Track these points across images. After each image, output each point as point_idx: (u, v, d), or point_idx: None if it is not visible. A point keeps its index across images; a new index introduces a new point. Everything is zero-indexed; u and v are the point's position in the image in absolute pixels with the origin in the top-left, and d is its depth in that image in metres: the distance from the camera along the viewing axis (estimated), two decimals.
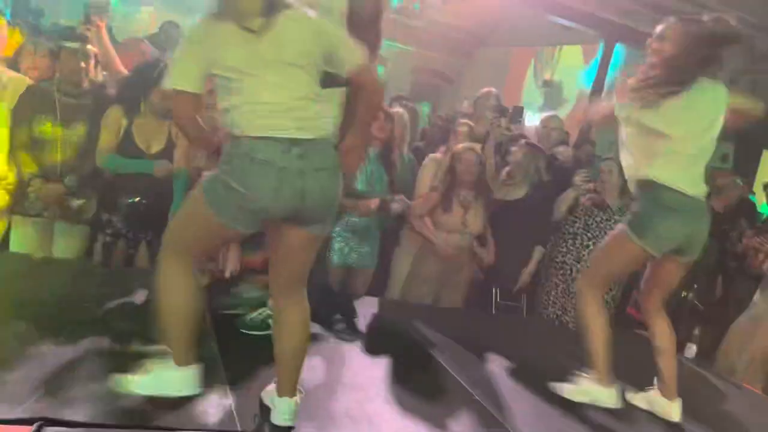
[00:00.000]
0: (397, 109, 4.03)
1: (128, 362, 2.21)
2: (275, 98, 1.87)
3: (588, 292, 2.71)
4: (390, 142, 3.74)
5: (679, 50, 2.46)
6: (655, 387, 2.75)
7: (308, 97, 1.93)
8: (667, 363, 2.70)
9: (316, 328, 2.97)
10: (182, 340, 1.97)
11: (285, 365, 2.06)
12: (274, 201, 1.86)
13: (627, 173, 2.70)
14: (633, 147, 2.60)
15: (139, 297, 2.86)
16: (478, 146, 3.82)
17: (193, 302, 1.97)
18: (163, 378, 1.96)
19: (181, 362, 1.96)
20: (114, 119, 3.07)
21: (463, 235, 3.76)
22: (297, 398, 2.05)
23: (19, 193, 3.09)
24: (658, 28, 2.56)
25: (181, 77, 1.87)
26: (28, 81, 3.12)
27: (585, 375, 2.69)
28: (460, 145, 3.81)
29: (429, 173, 3.89)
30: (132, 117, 3.08)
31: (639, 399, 2.79)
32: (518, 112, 4.54)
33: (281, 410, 2.03)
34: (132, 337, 2.42)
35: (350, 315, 3.35)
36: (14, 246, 3.16)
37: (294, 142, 1.85)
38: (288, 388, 2.04)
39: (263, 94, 1.87)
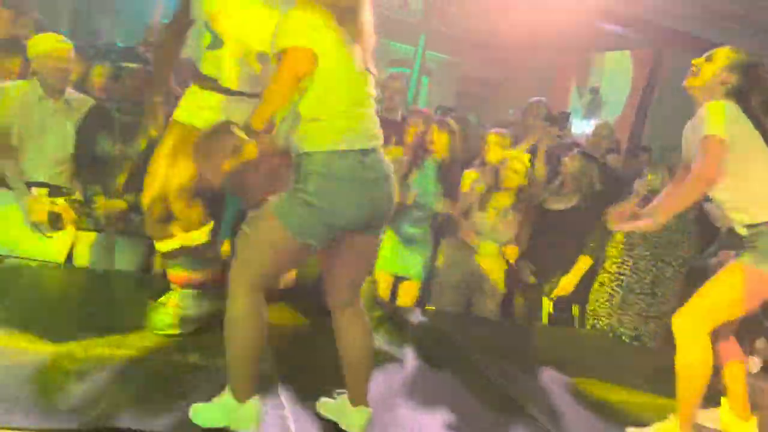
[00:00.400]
0: (450, 120, 4.03)
1: (188, 372, 2.28)
2: (351, 105, 1.90)
3: (694, 335, 2.39)
4: (447, 156, 3.76)
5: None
6: (725, 406, 2.61)
7: (372, 104, 1.98)
8: (735, 381, 2.56)
9: None
10: (247, 377, 1.95)
11: (355, 376, 2.08)
12: (356, 213, 1.89)
13: (746, 215, 2.40)
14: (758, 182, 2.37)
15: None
16: (527, 157, 3.79)
17: (262, 341, 1.95)
18: (224, 412, 1.95)
19: (241, 398, 1.94)
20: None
21: (492, 242, 3.72)
22: (370, 408, 2.08)
23: (83, 210, 3.21)
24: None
25: (295, 34, 1.82)
26: (91, 101, 3.25)
27: (665, 421, 2.49)
28: (511, 152, 3.79)
29: (467, 188, 3.88)
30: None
31: (708, 418, 2.63)
32: (564, 118, 4.49)
33: (354, 420, 2.06)
34: (192, 347, 2.48)
35: (400, 325, 3.36)
36: (78, 260, 3.28)
37: (363, 152, 1.89)
38: (360, 398, 2.07)
39: (344, 99, 1.88)
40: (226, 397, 1.96)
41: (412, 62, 8.03)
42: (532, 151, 4.06)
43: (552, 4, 6.69)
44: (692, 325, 2.40)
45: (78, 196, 3.21)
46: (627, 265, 3.69)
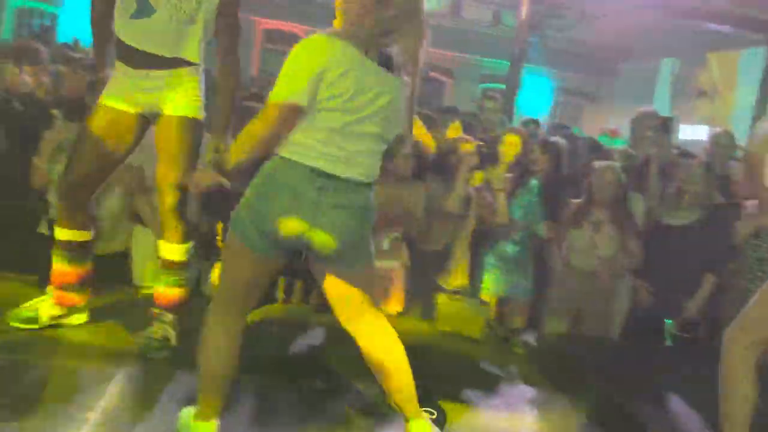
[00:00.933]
0: (556, 138, 3.98)
1: (314, 395, 2.36)
2: (336, 139, 1.83)
3: (737, 349, 2.24)
4: (550, 175, 3.70)
5: None
6: None
7: (373, 149, 1.90)
8: None
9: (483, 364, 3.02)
10: (210, 399, 1.95)
11: (398, 388, 1.99)
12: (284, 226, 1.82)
13: None
14: None
15: (318, 334, 3.08)
16: (616, 165, 3.68)
17: (231, 367, 1.95)
18: (183, 422, 1.99)
19: (201, 417, 1.95)
20: None
21: (592, 257, 3.59)
22: (427, 417, 2.01)
23: (209, 243, 3.40)
24: None
25: (286, 86, 1.80)
26: None
27: None
28: (601, 162, 3.69)
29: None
30: None
31: None
32: (668, 124, 4.30)
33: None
34: (318, 370, 2.57)
35: (515, 348, 3.32)
36: (208, 288, 3.46)
37: (321, 174, 1.81)
38: (413, 410, 1.99)
39: (329, 131, 1.82)
40: (190, 409, 1.99)
41: (505, 77, 7.98)
42: (644, 164, 3.93)
43: (655, 7, 6.46)
44: (741, 342, 2.22)
45: (204, 230, 3.40)
46: (758, 281, 3.45)
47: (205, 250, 3.38)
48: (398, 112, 1.91)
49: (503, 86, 7.63)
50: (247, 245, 1.86)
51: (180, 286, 2.62)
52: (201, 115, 2.53)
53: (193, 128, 2.49)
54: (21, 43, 3.84)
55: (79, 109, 3.23)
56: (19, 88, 3.49)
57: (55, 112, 3.29)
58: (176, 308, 2.61)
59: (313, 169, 1.80)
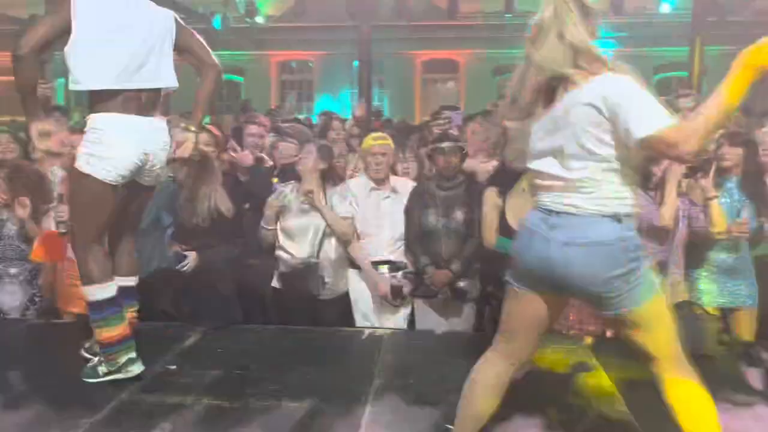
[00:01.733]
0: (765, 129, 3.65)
1: None
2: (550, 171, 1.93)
3: None
4: (748, 169, 3.41)
5: None
6: None
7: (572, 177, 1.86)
8: None
9: None
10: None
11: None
12: (530, 265, 1.92)
13: None
14: None
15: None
16: None
17: (493, 408, 2.06)
18: None
19: None
20: (493, 202, 3.36)
21: None
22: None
23: (418, 279, 3.56)
24: None
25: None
26: (412, 183, 3.64)
27: None
28: None
29: None
30: (505, 197, 3.32)
31: None
32: None
33: None
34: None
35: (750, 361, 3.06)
36: (419, 324, 3.63)
37: (552, 213, 1.89)
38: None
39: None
40: None
41: (685, 64, 7.39)
42: None
43: None
44: None
45: (412, 267, 3.57)
46: None
47: (414, 288, 3.55)
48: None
49: (685, 74, 7.13)
50: (515, 284, 2.00)
51: None
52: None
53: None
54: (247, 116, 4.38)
55: (292, 173, 3.60)
56: (242, 162, 3.99)
57: (275, 179, 3.68)
58: None
59: (548, 210, 1.91)
